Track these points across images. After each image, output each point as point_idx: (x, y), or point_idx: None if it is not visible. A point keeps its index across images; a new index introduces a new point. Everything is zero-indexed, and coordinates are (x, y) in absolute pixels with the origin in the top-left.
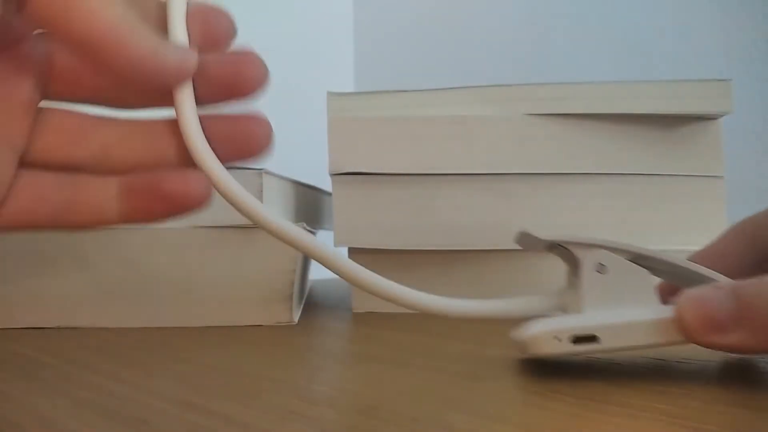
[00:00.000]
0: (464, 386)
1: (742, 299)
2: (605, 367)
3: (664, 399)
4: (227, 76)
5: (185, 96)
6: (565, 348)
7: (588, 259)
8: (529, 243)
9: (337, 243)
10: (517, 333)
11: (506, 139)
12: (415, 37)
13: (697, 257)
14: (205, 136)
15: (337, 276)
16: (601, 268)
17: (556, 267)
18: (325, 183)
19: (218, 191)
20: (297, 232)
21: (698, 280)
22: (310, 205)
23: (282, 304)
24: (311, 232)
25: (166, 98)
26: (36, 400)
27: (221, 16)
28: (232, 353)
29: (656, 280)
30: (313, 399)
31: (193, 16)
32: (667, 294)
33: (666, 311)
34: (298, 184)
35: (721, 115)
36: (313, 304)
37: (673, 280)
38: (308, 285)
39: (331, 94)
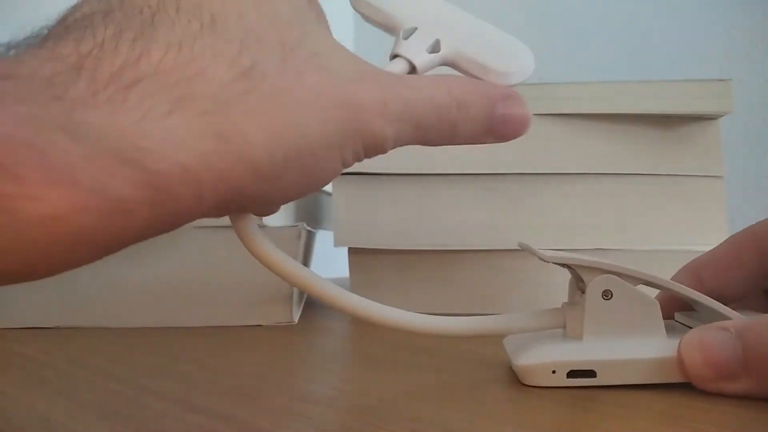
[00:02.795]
0: (464, 386)
1: (748, 344)
2: None
3: (664, 399)
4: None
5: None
6: (560, 382)
7: (595, 284)
8: (533, 253)
9: (337, 243)
10: (514, 358)
11: None
12: None
13: (701, 265)
14: None
15: (335, 276)
16: (607, 294)
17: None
18: None
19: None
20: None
21: (705, 309)
22: (310, 205)
23: (282, 304)
24: (311, 231)
25: None
26: (36, 400)
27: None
28: (232, 353)
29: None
30: (313, 399)
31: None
32: (668, 306)
33: (668, 348)
34: None
35: (721, 115)
36: (313, 304)
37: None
38: None
39: None
